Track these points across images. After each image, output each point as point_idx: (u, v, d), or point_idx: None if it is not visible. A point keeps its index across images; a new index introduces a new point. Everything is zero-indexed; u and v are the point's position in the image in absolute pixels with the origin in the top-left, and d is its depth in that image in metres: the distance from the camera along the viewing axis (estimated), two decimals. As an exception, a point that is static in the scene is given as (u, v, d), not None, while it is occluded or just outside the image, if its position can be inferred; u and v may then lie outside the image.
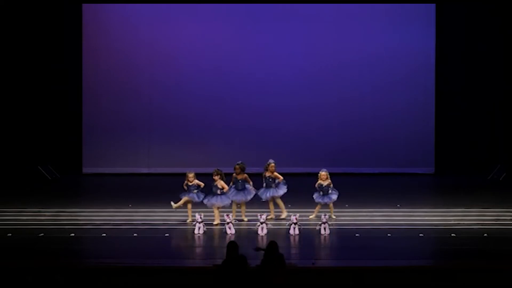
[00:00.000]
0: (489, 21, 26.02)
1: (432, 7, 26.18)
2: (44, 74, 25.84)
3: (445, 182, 24.77)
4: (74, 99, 26.11)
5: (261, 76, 26.15)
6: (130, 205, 19.20)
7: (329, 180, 17.56)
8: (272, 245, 11.68)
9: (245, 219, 17.17)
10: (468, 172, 25.50)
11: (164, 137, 26.24)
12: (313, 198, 17.55)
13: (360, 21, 26.19)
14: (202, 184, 17.15)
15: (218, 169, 17.09)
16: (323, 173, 17.61)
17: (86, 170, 26.12)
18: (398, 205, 19.23)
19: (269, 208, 17.55)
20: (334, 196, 17.54)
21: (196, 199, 17.10)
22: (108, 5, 26.47)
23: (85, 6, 26.14)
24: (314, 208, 17.52)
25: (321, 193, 17.46)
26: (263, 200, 17.58)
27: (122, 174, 25.85)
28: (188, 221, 17.02)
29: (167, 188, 22.72)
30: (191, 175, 17.18)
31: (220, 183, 16.93)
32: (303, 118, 26.07)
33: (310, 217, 17.35)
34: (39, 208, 18.64)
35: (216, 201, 16.89)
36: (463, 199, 20.26)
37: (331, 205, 17.60)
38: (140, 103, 26.27)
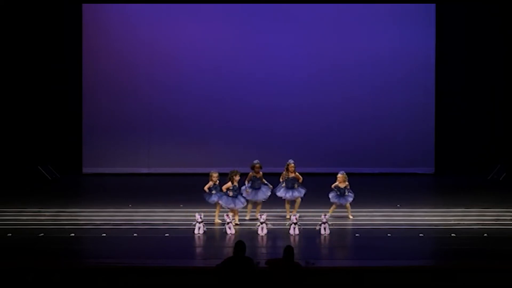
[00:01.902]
0: (489, 21, 26.02)
1: (432, 7, 26.18)
2: (44, 74, 25.83)
3: (445, 182, 24.76)
4: (74, 99, 26.10)
5: (261, 76, 26.15)
6: (130, 205, 19.19)
7: (347, 183, 17.61)
8: (289, 250, 11.77)
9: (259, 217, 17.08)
10: (468, 172, 25.50)
11: (164, 137, 26.22)
12: (328, 197, 17.60)
13: (360, 21, 26.18)
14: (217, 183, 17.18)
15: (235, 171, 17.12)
16: (339, 176, 17.68)
17: (86, 170, 26.11)
18: (398, 205, 19.23)
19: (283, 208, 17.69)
20: (350, 198, 17.62)
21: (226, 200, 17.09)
22: (108, 5, 26.46)
23: (85, 6, 26.13)
24: (329, 208, 17.58)
25: (338, 193, 17.52)
26: (286, 198, 17.52)
27: (122, 174, 25.84)
28: (215, 221, 16.97)
29: (167, 188, 22.81)
30: (216, 175, 17.11)
31: (227, 185, 16.92)
32: (303, 118, 26.07)
33: (326, 216, 17.43)
34: (39, 208, 18.64)
35: (224, 202, 16.88)
36: (463, 199, 20.26)
37: (348, 205, 17.62)
38: (140, 103, 26.26)
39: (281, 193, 17.56)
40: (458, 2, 26.13)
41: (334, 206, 17.64)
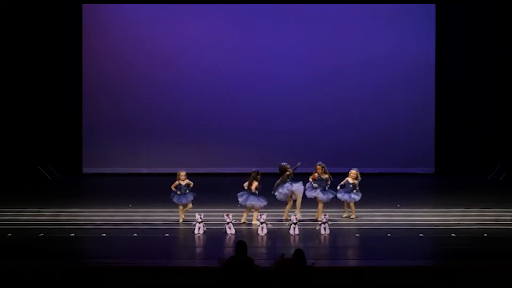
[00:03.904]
0: (489, 21, 26.02)
1: (432, 7, 26.19)
2: (44, 74, 25.84)
3: (445, 182, 24.77)
4: (74, 99, 26.11)
5: (261, 76, 26.15)
6: (130, 205, 19.20)
7: (356, 181, 17.59)
8: (298, 253, 11.73)
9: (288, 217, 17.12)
10: (468, 172, 25.49)
11: (164, 137, 26.23)
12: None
13: (360, 21, 26.20)
14: (191, 184, 17.21)
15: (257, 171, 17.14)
16: (353, 172, 17.70)
17: (86, 170, 26.11)
18: (398, 205, 19.24)
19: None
20: (357, 197, 17.59)
21: (189, 200, 17.14)
22: (108, 5, 26.47)
23: (85, 6, 26.15)
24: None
25: (346, 188, 17.54)
26: (323, 200, 17.51)
27: (122, 174, 25.84)
28: (180, 220, 17.07)
29: (167, 188, 22.75)
30: (183, 174, 17.25)
31: (255, 184, 16.98)
32: (303, 118, 26.08)
33: (344, 215, 17.46)
34: (39, 208, 18.64)
35: (256, 202, 16.90)
36: (463, 199, 20.26)
37: (352, 204, 17.62)
38: (140, 103, 26.27)
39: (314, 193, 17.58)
40: (458, 2, 26.14)
41: (345, 203, 17.61)
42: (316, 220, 17.01)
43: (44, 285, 12.60)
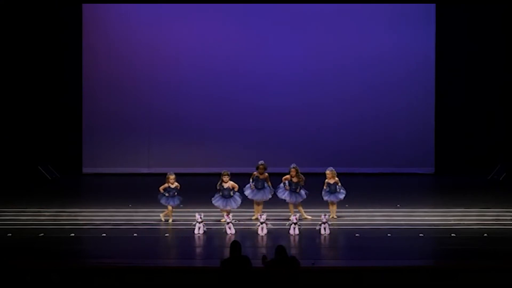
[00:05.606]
0: (489, 21, 26.01)
1: (432, 7, 26.18)
2: (44, 74, 25.83)
3: (445, 182, 24.76)
4: (74, 99, 26.09)
5: (261, 76, 26.14)
6: (130, 205, 19.19)
7: (336, 179, 17.63)
8: (280, 249, 11.75)
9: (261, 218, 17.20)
10: (468, 172, 25.48)
11: (164, 137, 26.22)
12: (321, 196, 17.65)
13: (360, 21, 26.18)
14: (179, 186, 17.25)
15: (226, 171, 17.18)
16: (328, 172, 17.70)
17: (86, 170, 26.11)
18: (398, 205, 19.23)
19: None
20: (341, 196, 17.60)
21: (176, 204, 17.19)
22: (108, 5, 26.46)
23: (85, 6, 26.13)
24: (328, 208, 17.62)
25: (328, 190, 17.55)
26: (291, 202, 17.54)
27: (122, 174, 25.84)
28: (170, 220, 17.11)
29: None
30: (172, 177, 17.29)
31: (231, 184, 16.98)
32: (303, 118, 26.06)
33: (331, 216, 17.37)
34: (39, 208, 18.64)
35: (233, 205, 16.95)
36: (463, 199, 20.25)
37: (335, 205, 17.63)
38: (140, 103, 26.25)
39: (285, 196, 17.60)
40: (458, 2, 26.13)
41: (330, 204, 17.64)
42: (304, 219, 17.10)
43: (43, 285, 12.60)
